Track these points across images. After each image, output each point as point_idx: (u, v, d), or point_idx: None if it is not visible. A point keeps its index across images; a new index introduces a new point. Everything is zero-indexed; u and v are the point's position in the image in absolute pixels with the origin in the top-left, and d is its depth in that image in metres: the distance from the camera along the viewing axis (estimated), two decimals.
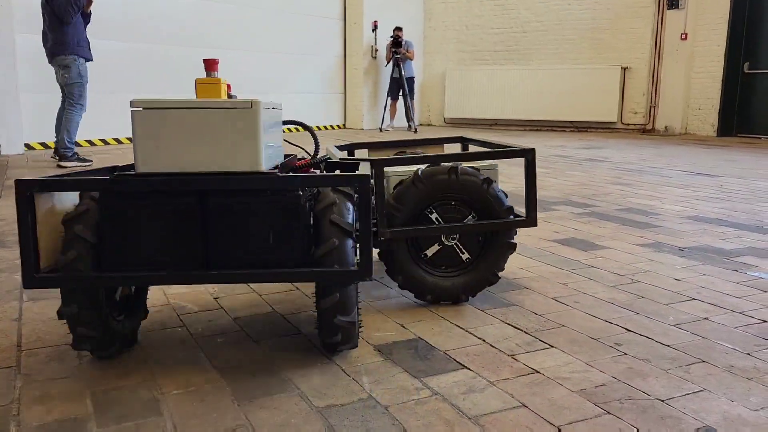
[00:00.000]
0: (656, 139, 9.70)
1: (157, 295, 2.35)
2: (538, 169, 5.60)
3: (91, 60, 6.09)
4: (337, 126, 11.82)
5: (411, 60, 10.96)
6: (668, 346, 1.87)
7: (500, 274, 2.28)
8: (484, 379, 1.66)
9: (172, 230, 1.63)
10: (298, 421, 1.46)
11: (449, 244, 2.18)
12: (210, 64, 1.79)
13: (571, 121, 11.32)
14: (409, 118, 10.94)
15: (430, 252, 2.18)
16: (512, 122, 11.81)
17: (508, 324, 2.05)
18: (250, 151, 1.62)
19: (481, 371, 1.71)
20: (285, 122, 2.07)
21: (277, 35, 10.33)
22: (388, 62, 10.97)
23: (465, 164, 2.15)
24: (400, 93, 10.89)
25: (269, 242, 1.64)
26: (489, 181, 2.12)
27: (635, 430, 1.41)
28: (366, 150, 2.79)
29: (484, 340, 1.92)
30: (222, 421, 1.46)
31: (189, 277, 1.64)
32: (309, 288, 2.42)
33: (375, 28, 11.42)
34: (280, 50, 10.43)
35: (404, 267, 2.15)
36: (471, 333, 1.98)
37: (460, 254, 2.18)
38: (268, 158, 1.68)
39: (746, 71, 9.88)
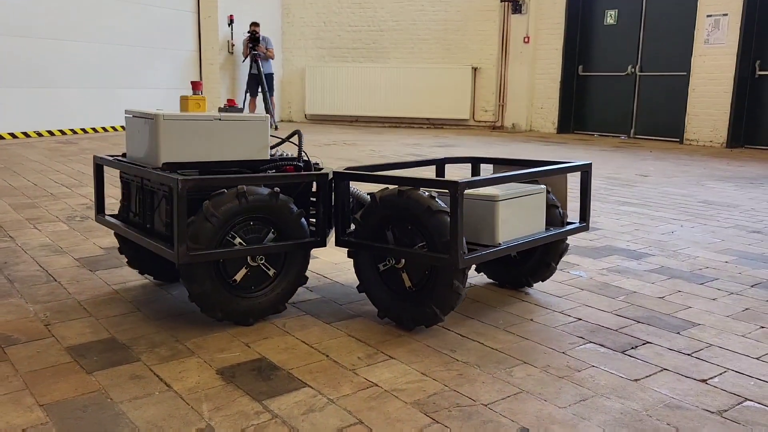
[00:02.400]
0: (505, 136, 10.33)
1: None
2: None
3: None
4: None
5: (272, 59, 10.83)
6: (496, 349, 2.02)
7: (344, 283, 2.33)
8: (325, 397, 1.71)
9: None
10: None
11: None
12: (195, 85, 2.47)
13: (427, 118, 11.75)
14: (268, 114, 10.79)
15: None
16: (372, 119, 12.04)
17: (352, 337, 2.12)
18: (154, 149, 2.20)
19: (322, 388, 1.75)
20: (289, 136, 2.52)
21: (121, 26, 9.75)
22: (245, 58, 10.74)
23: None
24: (259, 89, 10.72)
25: (165, 219, 2.21)
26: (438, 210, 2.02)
27: None
28: (491, 165, 2.76)
29: (327, 356, 1.97)
30: None
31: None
32: (152, 310, 2.34)
33: (231, 22, 11.14)
34: (127, 43, 9.86)
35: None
36: (315, 348, 2.02)
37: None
38: (172, 154, 2.19)
39: (580, 73, 10.78)
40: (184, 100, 2.36)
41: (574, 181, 2.81)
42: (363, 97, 11.92)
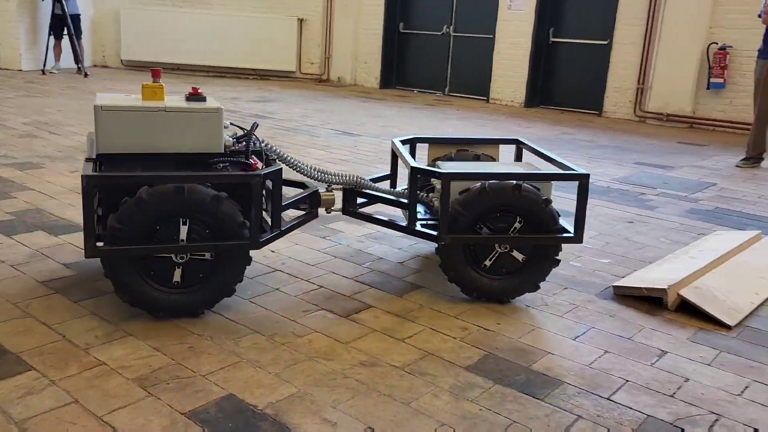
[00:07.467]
0: (329, 90, 10.48)
1: None
2: None
3: None
4: None
5: None
6: (232, 320, 2.22)
7: None
8: (47, 379, 1.81)
9: None
10: None
11: (501, 251, 2.42)
12: (155, 73, 2.32)
13: (254, 69, 11.56)
14: (77, 60, 10.04)
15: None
16: (197, 68, 11.61)
17: (96, 315, 2.21)
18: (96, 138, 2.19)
19: (47, 371, 1.85)
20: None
21: None
22: None
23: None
24: (65, 32, 9.89)
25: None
26: (548, 201, 2.40)
27: (168, 406, 1.70)
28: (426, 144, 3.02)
29: (64, 336, 2.05)
30: None
31: None
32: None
33: None
34: None
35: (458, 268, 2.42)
36: (54, 329, 2.09)
37: (514, 259, 2.44)
38: (109, 145, 2.15)
39: (402, 30, 11.16)
40: (143, 88, 2.23)
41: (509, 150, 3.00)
42: (185, 43, 11.42)
